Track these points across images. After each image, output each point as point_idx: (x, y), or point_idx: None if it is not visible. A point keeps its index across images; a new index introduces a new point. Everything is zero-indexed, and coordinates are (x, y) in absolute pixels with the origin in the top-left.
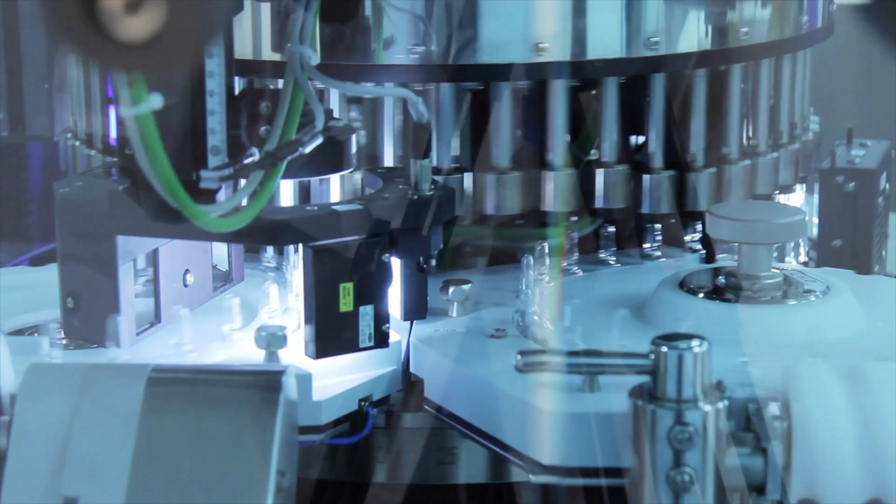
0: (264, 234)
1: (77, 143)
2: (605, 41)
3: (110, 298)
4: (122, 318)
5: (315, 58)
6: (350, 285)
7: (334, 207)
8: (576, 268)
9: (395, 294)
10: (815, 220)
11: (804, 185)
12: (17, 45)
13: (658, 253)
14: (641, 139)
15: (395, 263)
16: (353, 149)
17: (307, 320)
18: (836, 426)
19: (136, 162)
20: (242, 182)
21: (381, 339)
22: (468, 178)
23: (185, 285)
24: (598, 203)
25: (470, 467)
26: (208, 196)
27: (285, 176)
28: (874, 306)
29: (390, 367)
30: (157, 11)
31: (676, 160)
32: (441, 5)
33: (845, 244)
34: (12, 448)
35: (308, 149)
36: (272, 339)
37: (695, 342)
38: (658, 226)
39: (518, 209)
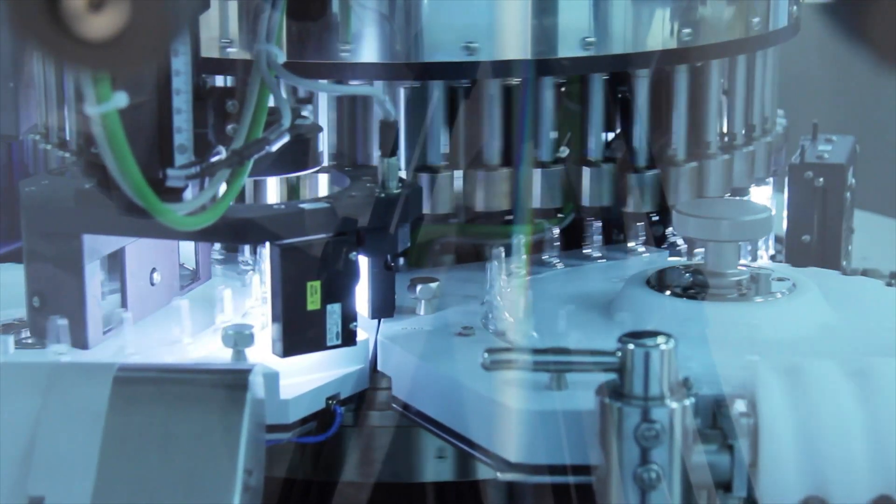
0: (231, 232)
1: (43, 142)
2: (576, 39)
3: (76, 298)
4: (89, 317)
5: (282, 56)
6: (317, 283)
7: (301, 206)
8: (557, 261)
9: (362, 292)
10: (785, 215)
11: (772, 180)
12: None
13: (642, 248)
14: (612, 135)
15: (363, 261)
16: (320, 147)
17: (274, 319)
18: (801, 423)
19: (102, 160)
20: (209, 180)
21: (348, 338)
22: (440, 176)
23: (152, 284)
24: (585, 202)
25: (437, 465)
26: (175, 194)
27: (252, 174)
28: (842, 304)
29: (358, 366)
30: (121, 9)
31: (651, 157)
32: (407, 2)
33: (814, 239)
34: None
35: (275, 147)
36: (239, 338)
37: (661, 340)
38: (641, 224)
39: (486, 207)
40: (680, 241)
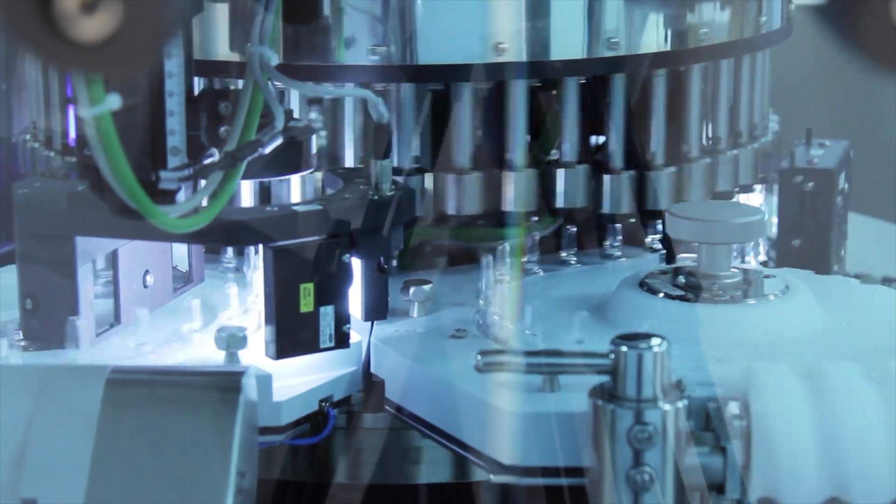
0: (224, 234)
1: (36, 144)
2: (565, 41)
3: (69, 300)
4: (82, 319)
5: (275, 58)
6: (310, 286)
7: (294, 208)
8: (537, 268)
9: (355, 294)
10: (775, 219)
11: (764, 185)
12: None
13: (619, 253)
14: (602, 139)
15: (356, 264)
16: (314, 149)
17: (267, 321)
18: (795, 425)
19: (95, 162)
20: (202, 183)
21: (341, 340)
22: (429, 179)
23: (145, 286)
24: (559, 203)
25: (431, 467)
26: (168, 197)
27: (245, 176)
28: (834, 306)
29: (351, 368)
30: (114, 11)
31: (636, 160)
32: (400, 5)
33: (804, 244)
34: None
35: (268, 149)
36: (232, 340)
37: (654, 341)
38: (619, 226)
39: (478, 209)
40: (658, 245)
